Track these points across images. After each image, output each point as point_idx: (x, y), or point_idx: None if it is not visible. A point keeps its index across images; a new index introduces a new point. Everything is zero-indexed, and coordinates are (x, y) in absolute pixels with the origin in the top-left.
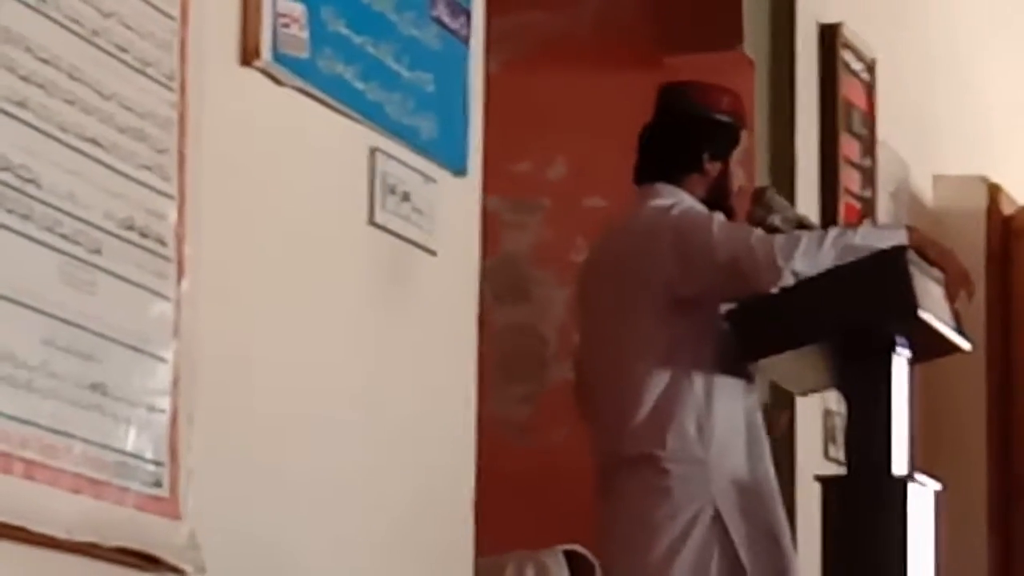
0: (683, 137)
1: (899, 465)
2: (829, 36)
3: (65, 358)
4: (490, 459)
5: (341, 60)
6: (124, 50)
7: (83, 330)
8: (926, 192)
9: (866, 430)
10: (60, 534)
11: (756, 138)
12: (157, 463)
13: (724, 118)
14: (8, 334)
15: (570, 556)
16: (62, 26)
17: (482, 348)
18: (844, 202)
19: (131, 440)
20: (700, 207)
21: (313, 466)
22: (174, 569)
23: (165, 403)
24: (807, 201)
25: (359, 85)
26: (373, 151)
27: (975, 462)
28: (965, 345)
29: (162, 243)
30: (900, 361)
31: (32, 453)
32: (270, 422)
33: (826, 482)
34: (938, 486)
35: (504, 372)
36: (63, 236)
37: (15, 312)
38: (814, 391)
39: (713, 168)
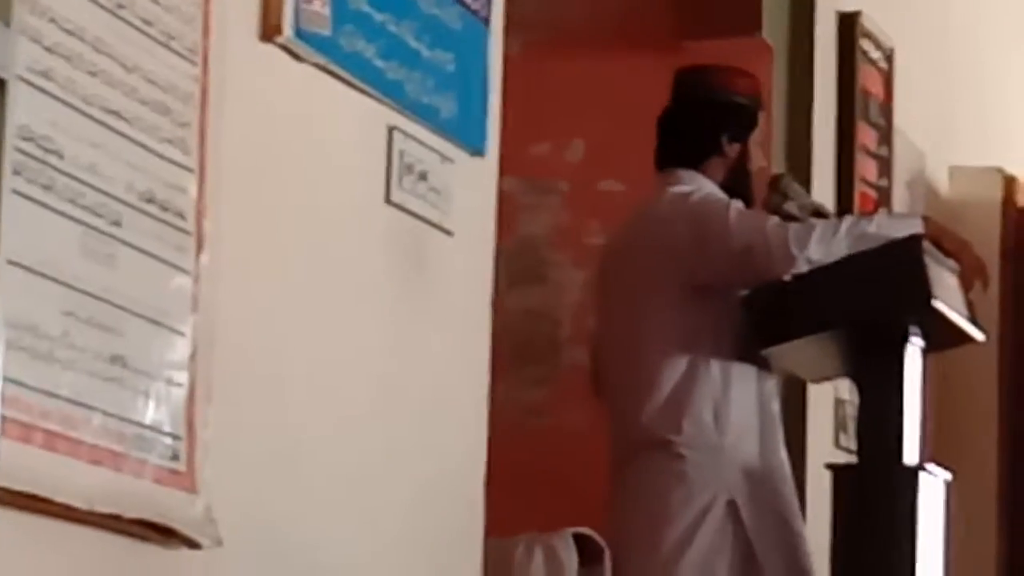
0: (702, 121)
1: (910, 454)
2: (848, 24)
3: (85, 330)
4: (503, 441)
5: (362, 37)
6: (148, 23)
7: (103, 302)
8: (942, 183)
9: (878, 419)
10: (81, 505)
11: (773, 125)
12: (175, 436)
13: (742, 100)
14: (29, 305)
15: (579, 539)
16: None
17: (496, 330)
18: (860, 191)
19: (149, 413)
20: (720, 194)
21: (326, 443)
22: (189, 543)
23: (183, 377)
24: (823, 189)
25: (379, 63)
26: (391, 130)
27: (986, 452)
28: (979, 336)
29: (182, 217)
30: (913, 351)
31: (53, 424)
32: (285, 398)
33: (837, 471)
34: (949, 476)
35: (518, 354)
36: (84, 208)
37: (36, 283)
38: (826, 379)
39: (732, 150)
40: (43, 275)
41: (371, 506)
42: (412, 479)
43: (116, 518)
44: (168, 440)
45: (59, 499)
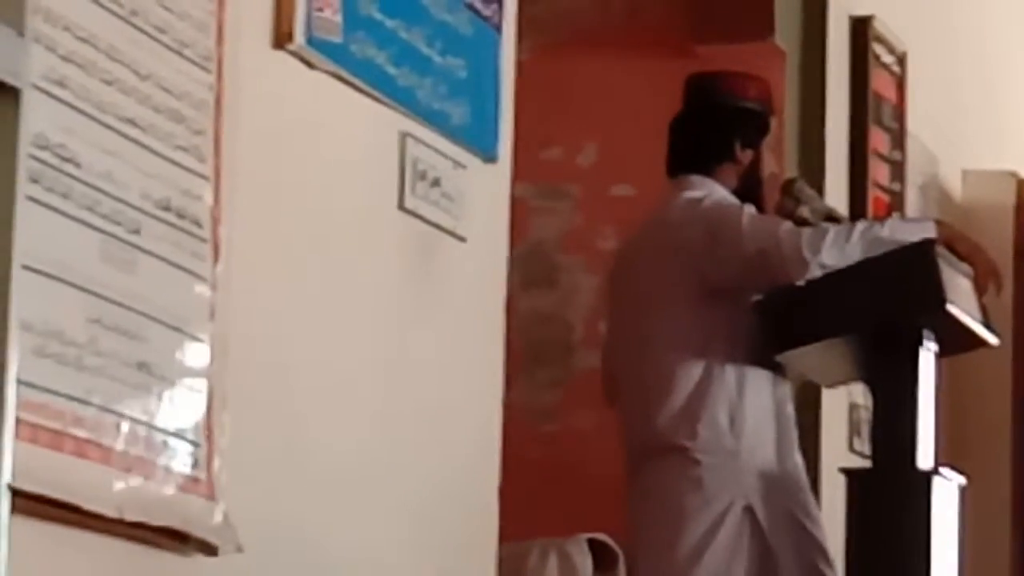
0: (713, 127)
1: (924, 459)
2: (860, 29)
3: (111, 337)
4: (516, 445)
5: (374, 44)
6: (162, 31)
7: (126, 309)
8: (955, 186)
9: (892, 423)
10: (112, 513)
11: (786, 129)
12: (195, 444)
13: (753, 106)
14: (55, 311)
15: (594, 544)
16: (101, 6)
17: (509, 334)
18: (873, 195)
19: (173, 420)
20: (732, 199)
21: (339, 448)
22: (206, 549)
23: (202, 384)
24: (836, 193)
25: (391, 70)
26: (404, 136)
27: (1000, 456)
28: (992, 339)
29: (198, 224)
30: (927, 355)
31: (83, 431)
32: (297, 404)
33: (851, 475)
34: (963, 480)
35: (531, 358)
36: (103, 216)
37: (60, 290)
38: (840, 384)
39: (745, 156)
40: (66, 281)
41: (384, 511)
42: (425, 484)
43: (140, 526)
44: (190, 447)
45: (90, 507)
